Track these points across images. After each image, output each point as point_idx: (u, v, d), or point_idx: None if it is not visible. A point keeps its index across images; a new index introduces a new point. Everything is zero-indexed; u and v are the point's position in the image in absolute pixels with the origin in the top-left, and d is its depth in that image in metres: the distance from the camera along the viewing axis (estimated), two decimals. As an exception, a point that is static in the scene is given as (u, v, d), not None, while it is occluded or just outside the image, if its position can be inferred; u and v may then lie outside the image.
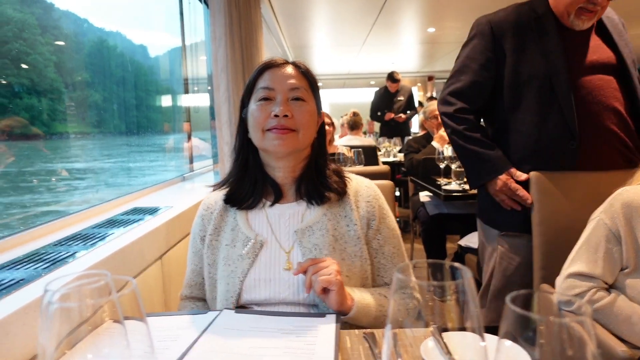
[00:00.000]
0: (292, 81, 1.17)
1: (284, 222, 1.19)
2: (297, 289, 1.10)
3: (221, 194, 1.27)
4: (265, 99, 1.16)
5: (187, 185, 2.88)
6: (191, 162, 3.49)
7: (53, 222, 1.59)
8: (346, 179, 1.25)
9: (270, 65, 1.19)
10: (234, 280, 1.13)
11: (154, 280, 1.58)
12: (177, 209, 1.92)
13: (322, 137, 1.27)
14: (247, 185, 1.23)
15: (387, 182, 1.71)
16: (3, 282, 1.04)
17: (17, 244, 1.40)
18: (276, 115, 1.13)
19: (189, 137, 3.70)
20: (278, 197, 1.22)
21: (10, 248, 1.36)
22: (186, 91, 3.44)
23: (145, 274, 1.49)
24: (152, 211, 1.88)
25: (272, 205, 1.22)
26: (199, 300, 1.28)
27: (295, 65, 1.21)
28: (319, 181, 1.20)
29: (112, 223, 1.66)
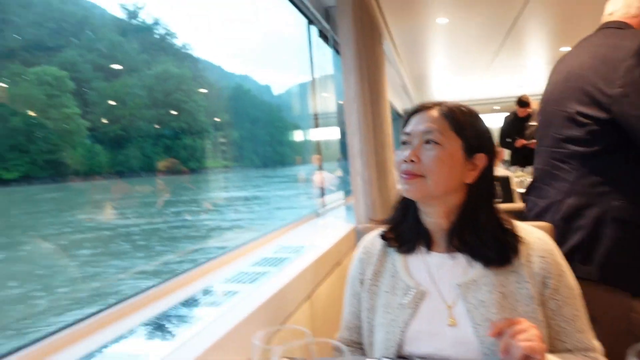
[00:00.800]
0: (426, 124, 1.15)
1: (444, 273, 1.15)
2: (464, 347, 1.05)
3: (377, 235, 1.28)
4: (404, 143, 1.19)
5: (321, 221, 2.95)
6: (322, 194, 3.58)
7: (212, 261, 1.76)
8: (518, 237, 1.14)
9: (416, 110, 1.21)
10: (394, 329, 1.12)
11: (305, 321, 1.64)
12: (321, 246, 1.98)
13: (485, 182, 1.17)
14: (406, 228, 1.23)
15: (544, 225, 1.54)
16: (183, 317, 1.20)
17: (189, 281, 1.53)
18: (405, 160, 1.14)
19: (320, 169, 3.79)
20: (430, 244, 1.20)
21: (185, 284, 1.50)
22: (316, 125, 3.59)
23: (297, 315, 1.55)
24: (297, 250, 1.97)
25: (428, 252, 1.20)
26: (357, 344, 1.28)
27: (440, 106, 1.19)
28: (475, 236, 1.12)
29: (265, 262, 1.75)
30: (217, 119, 52.58)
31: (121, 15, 63.77)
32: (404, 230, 1.23)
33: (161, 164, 43.10)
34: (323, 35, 3.67)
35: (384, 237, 1.26)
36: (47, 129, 36.02)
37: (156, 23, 63.71)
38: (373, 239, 1.30)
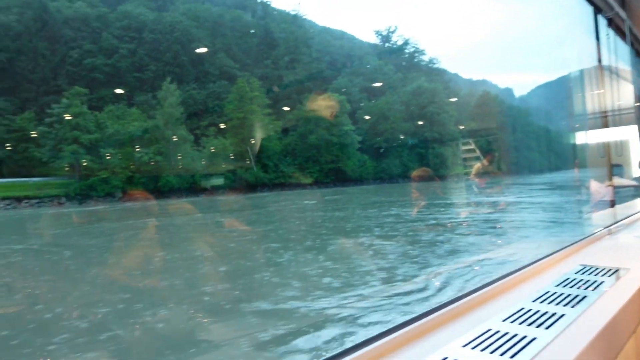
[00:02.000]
0: None
1: None
2: None
3: None
4: None
5: (622, 237, 2.43)
6: (612, 205, 3.03)
7: (517, 273, 1.65)
8: None
9: None
10: None
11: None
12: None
13: None
14: None
15: None
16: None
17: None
18: None
19: (610, 177, 3.09)
20: None
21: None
22: (605, 125, 3.08)
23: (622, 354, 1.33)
24: (606, 272, 1.69)
25: None
26: None
27: None
28: None
29: (569, 282, 1.57)
30: (462, 127, 53.78)
31: (376, 41, 72.13)
32: None
33: (415, 172, 47.04)
34: (614, 24, 3.07)
35: None
36: (332, 143, 44.72)
37: (406, 43, 69.57)
38: None
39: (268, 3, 71.60)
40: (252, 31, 60.89)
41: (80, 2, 53.90)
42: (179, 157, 35.66)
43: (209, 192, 34.90)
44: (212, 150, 38.18)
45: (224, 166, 37.55)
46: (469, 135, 52.47)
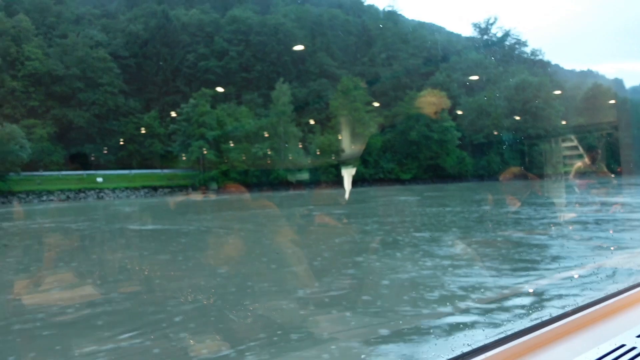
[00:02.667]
0: None
1: None
2: None
3: None
4: None
5: None
6: None
7: None
8: None
9: None
10: None
11: None
12: None
13: None
14: None
15: None
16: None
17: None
18: None
19: None
20: None
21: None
22: None
23: None
24: None
25: None
26: None
27: None
28: None
29: None
30: (565, 122, 50.77)
31: (474, 33, 70.05)
32: None
33: (508, 170, 45.63)
34: None
35: None
36: (432, 140, 44.90)
37: (506, 34, 66.78)
38: None
39: (362, 1, 72.86)
40: (348, 30, 62.48)
41: (194, 9, 59.17)
42: (289, 152, 38.39)
43: (313, 185, 37.19)
44: (318, 146, 40.50)
45: (327, 161, 39.71)
46: (575, 132, 49.51)
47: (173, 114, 42.01)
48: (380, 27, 62.44)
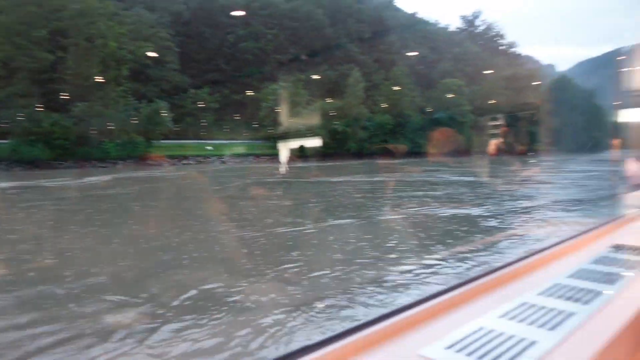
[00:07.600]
0: None
1: None
2: None
3: None
4: None
5: None
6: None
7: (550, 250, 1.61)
8: None
9: None
10: None
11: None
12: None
13: None
14: None
15: None
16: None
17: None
18: None
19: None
20: None
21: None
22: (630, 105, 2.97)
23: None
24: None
25: None
26: None
27: None
28: None
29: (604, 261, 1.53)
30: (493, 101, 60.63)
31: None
32: None
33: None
34: None
35: None
36: (453, 120, 55.28)
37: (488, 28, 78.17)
38: None
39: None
40: (361, 19, 70.06)
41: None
42: (358, 128, 47.16)
43: (376, 155, 46.30)
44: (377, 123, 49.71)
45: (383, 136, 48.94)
46: (502, 112, 57.56)
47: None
48: (391, 17, 70.66)
